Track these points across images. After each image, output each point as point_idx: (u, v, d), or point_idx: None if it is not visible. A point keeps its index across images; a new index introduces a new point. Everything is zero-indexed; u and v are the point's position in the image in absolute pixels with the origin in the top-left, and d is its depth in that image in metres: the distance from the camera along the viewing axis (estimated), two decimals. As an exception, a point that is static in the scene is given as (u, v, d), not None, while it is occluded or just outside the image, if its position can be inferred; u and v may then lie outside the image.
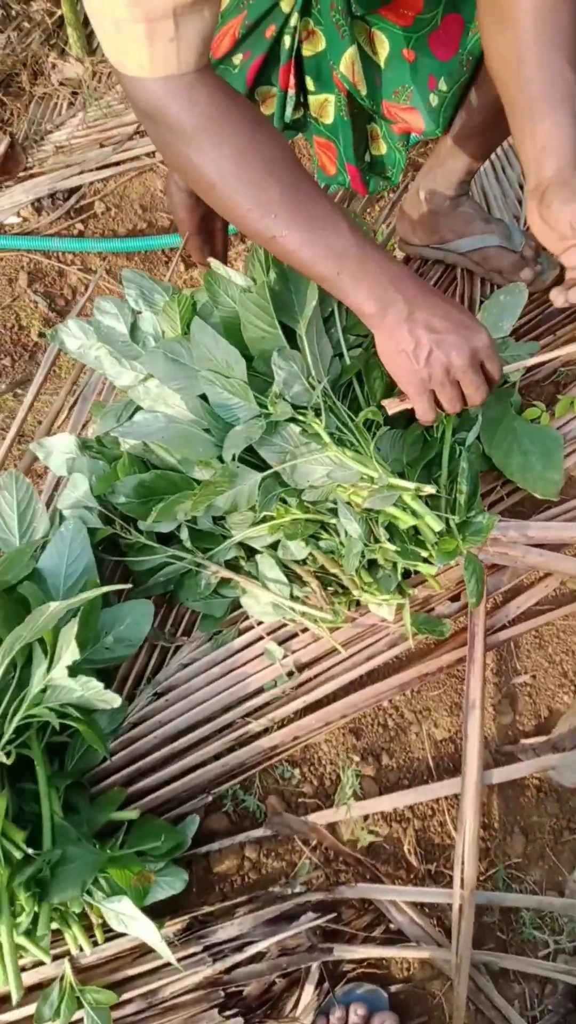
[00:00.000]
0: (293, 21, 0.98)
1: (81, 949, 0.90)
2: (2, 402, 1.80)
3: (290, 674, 1.04)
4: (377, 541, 0.96)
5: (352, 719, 1.06)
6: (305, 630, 1.05)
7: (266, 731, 1.03)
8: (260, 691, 1.04)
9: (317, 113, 1.10)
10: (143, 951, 0.93)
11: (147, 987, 0.91)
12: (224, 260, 1.67)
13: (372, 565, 1.01)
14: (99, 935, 0.90)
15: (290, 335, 0.96)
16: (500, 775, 1.02)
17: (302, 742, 1.03)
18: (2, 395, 1.73)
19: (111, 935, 0.92)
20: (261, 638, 1.05)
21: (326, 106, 1.07)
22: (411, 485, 0.90)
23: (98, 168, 2.13)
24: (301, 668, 1.05)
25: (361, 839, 1.01)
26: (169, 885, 0.88)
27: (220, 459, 0.97)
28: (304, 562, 1.02)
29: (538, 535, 1.07)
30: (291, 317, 0.95)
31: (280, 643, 1.05)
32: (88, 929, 0.91)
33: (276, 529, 0.98)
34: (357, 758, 1.05)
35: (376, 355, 0.99)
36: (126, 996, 0.91)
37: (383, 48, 1.01)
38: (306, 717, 1.03)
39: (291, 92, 1.06)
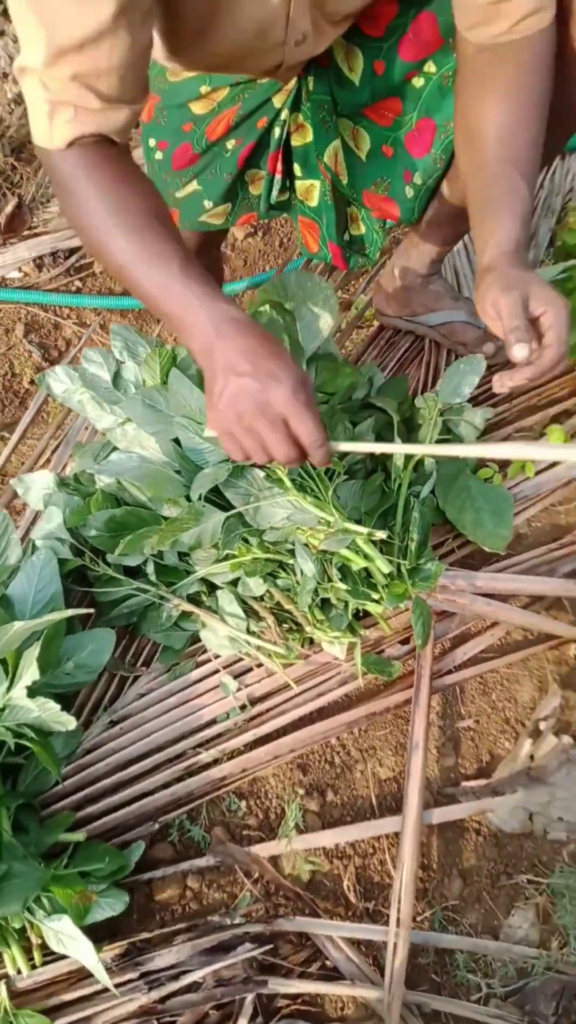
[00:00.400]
0: (284, 115, 1.09)
1: (19, 971, 0.91)
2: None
3: (243, 707, 1.08)
4: (330, 580, 1.02)
5: (300, 754, 1.10)
6: (260, 665, 1.10)
7: (216, 762, 1.06)
8: (213, 722, 1.08)
9: (303, 196, 1.21)
10: (80, 976, 0.94)
11: (81, 1014, 0.92)
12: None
13: (325, 604, 1.07)
14: (37, 957, 0.92)
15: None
16: (440, 815, 1.06)
17: (250, 774, 1.07)
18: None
19: (49, 958, 0.93)
20: (217, 671, 1.10)
21: (312, 191, 1.18)
22: (364, 530, 0.97)
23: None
24: (254, 702, 1.09)
25: (302, 873, 1.04)
26: (110, 906, 0.90)
27: (188, 498, 1.04)
28: (262, 599, 1.08)
29: (485, 585, 1.13)
30: None
31: (235, 677, 1.09)
32: (27, 952, 0.93)
33: (237, 567, 1.04)
34: (303, 792, 1.08)
35: (339, 410, 1.07)
36: (60, 1022, 0.92)
37: (365, 144, 1.12)
38: (256, 750, 1.07)
39: (278, 177, 1.17)
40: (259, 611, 1.06)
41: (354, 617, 1.08)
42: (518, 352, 0.74)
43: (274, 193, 1.17)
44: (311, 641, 1.11)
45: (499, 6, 0.80)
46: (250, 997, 0.97)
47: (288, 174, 1.16)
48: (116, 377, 1.16)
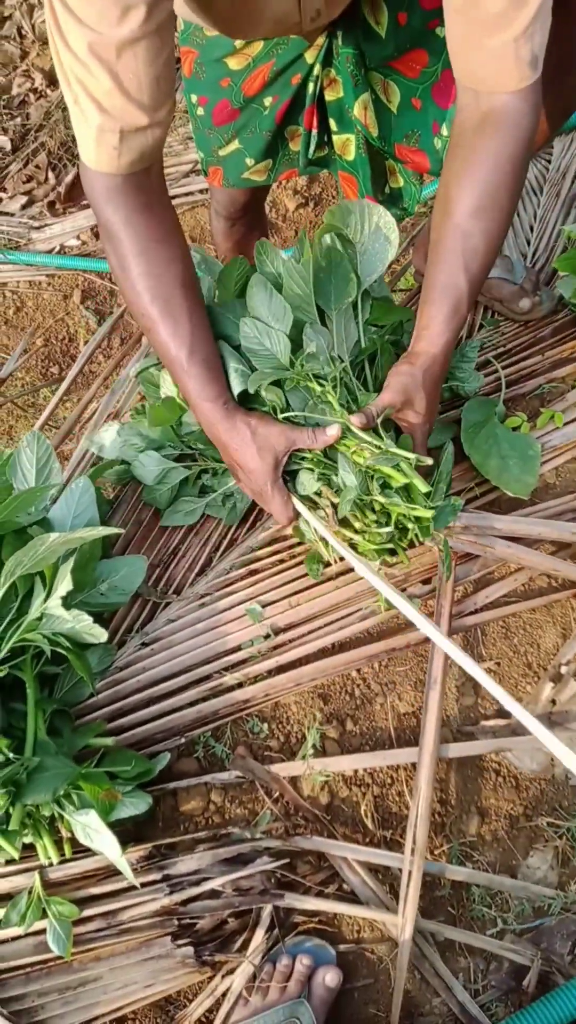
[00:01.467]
0: (316, 71, 1.13)
1: (51, 863, 0.98)
2: (44, 399, 1.97)
3: (267, 636, 1.12)
4: (370, 493, 1.03)
5: (321, 684, 1.14)
6: (285, 597, 1.15)
7: (240, 685, 1.11)
8: (238, 648, 1.13)
9: (340, 151, 1.24)
10: (107, 873, 1.01)
11: (107, 907, 0.99)
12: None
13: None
14: (67, 849, 0.99)
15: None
16: (457, 750, 1.08)
17: (273, 699, 1.11)
18: (39, 390, 1.90)
19: (79, 854, 1.00)
20: (244, 602, 1.15)
21: (348, 145, 1.21)
22: (411, 455, 0.99)
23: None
24: (277, 632, 1.14)
25: (320, 796, 1.08)
26: (134, 806, 0.96)
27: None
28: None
29: (506, 528, 1.14)
30: (325, 300, 1.08)
31: (263, 606, 1.14)
32: (58, 845, 0.99)
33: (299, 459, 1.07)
34: (323, 719, 1.12)
35: (386, 342, 1.12)
36: (88, 913, 0.98)
37: (395, 97, 1.15)
38: (278, 676, 1.11)
39: (314, 132, 1.21)
40: (317, 501, 1.07)
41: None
42: (355, 421, 0.99)
43: (312, 148, 1.21)
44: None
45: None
46: (268, 908, 1.01)
47: (324, 129, 1.20)
48: None
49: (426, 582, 1.16)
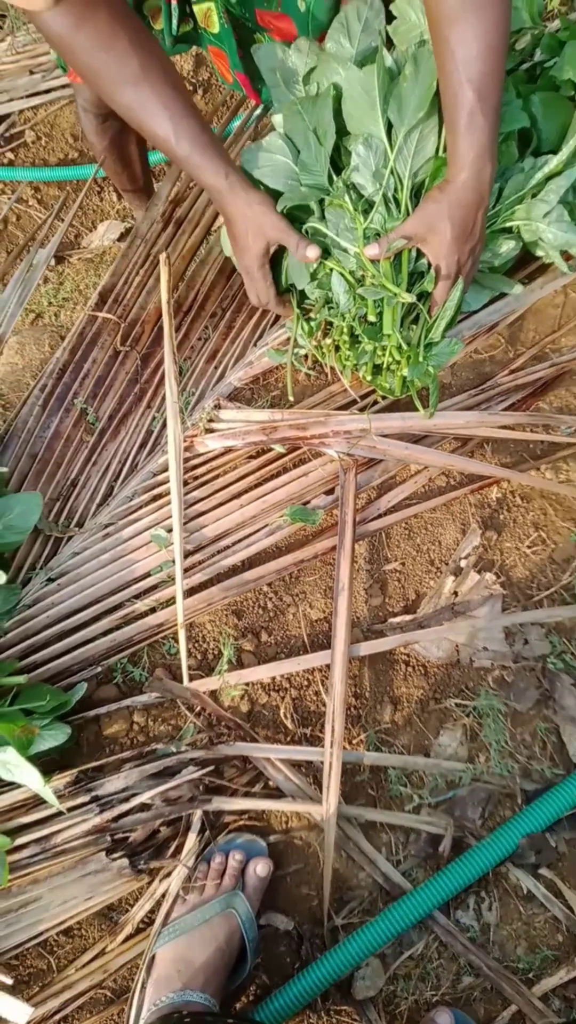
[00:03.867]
0: None
1: (-23, 799, 1.00)
2: None
3: (174, 560, 1.13)
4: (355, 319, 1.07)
5: (234, 601, 1.16)
6: (191, 519, 1.14)
7: (152, 611, 1.12)
8: (147, 575, 1.13)
9: (204, 23, 1.14)
10: (36, 802, 1.04)
11: (40, 833, 1.02)
12: (147, 186, 1.71)
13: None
14: (-8, 785, 1.01)
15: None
16: (368, 647, 1.13)
17: (187, 620, 1.13)
18: None
19: (6, 788, 1.02)
20: (148, 529, 1.14)
21: (210, 15, 1.11)
22: (397, 291, 1.01)
23: (28, 96, 2.14)
24: (187, 555, 1.14)
25: (241, 705, 1.12)
26: (53, 738, 0.98)
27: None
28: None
29: (408, 425, 1.15)
30: (397, 114, 0.98)
31: (168, 531, 1.14)
32: (-15, 782, 1.01)
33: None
34: (238, 635, 1.15)
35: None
36: (20, 841, 1.01)
37: None
38: (190, 598, 1.12)
39: (174, 4, 1.10)
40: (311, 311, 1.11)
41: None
42: (369, 251, 0.99)
43: (175, 23, 1.11)
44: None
45: None
46: (197, 814, 1.07)
47: (184, 1, 1.09)
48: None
49: (329, 492, 1.17)
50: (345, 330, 1.10)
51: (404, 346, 1.06)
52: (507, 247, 1.11)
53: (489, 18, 0.83)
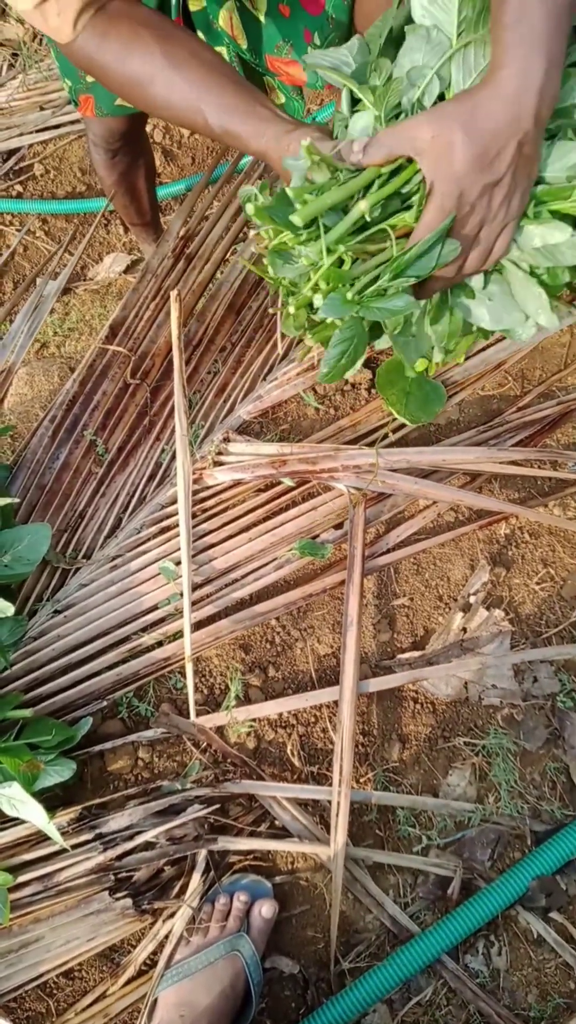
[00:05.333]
0: None
1: (-20, 835, 0.98)
2: None
3: (183, 593, 1.12)
4: None
5: (241, 635, 1.15)
6: (199, 552, 1.14)
7: (159, 644, 1.11)
8: (154, 608, 1.12)
9: None
10: (40, 838, 1.02)
11: (43, 870, 1.00)
12: (154, 220, 1.73)
13: None
14: (-4, 822, 0.99)
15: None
16: (377, 684, 1.12)
17: (194, 654, 1.12)
18: None
19: (9, 824, 1.00)
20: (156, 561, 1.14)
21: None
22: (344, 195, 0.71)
23: (38, 131, 2.17)
24: (195, 587, 1.13)
25: (247, 741, 1.10)
26: (58, 773, 0.96)
27: None
28: None
29: (416, 459, 1.16)
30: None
31: (176, 564, 1.13)
32: (-12, 818, 1.00)
33: None
34: (245, 669, 1.14)
35: None
36: (24, 878, 1.00)
37: (261, 4, 1.07)
38: (198, 631, 1.12)
39: None
40: None
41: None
42: (352, 147, 0.71)
43: None
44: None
45: None
46: (202, 853, 1.05)
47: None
48: None
49: (338, 526, 1.17)
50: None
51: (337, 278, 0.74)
52: (560, 236, 0.74)
53: None
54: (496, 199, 0.69)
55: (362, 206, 0.70)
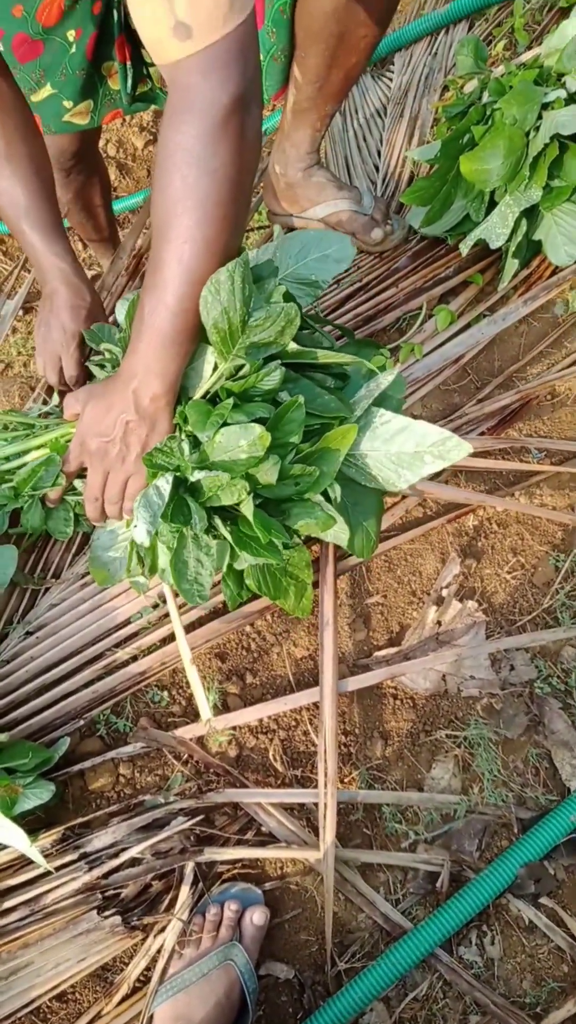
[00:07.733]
0: None
1: (-39, 863, 0.97)
2: None
3: (155, 605, 1.12)
4: None
5: (217, 644, 1.15)
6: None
7: (134, 659, 1.11)
8: (128, 622, 1.12)
9: (160, 84, 1.17)
10: (23, 862, 1.01)
11: (29, 894, 0.99)
12: (112, 236, 1.73)
13: None
14: (-24, 850, 0.98)
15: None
16: (355, 683, 1.12)
17: (169, 667, 1.11)
18: None
19: (-10, 851, 0.99)
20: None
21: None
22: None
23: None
24: (165, 599, 1.13)
25: (229, 750, 1.10)
26: (37, 796, 0.95)
27: None
28: None
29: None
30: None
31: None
32: (-31, 845, 0.98)
33: None
34: (222, 678, 1.14)
35: None
36: (8, 904, 0.98)
37: None
38: (172, 643, 1.11)
39: (130, 65, 1.13)
40: None
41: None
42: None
43: (130, 83, 1.13)
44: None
45: None
46: (190, 865, 1.04)
47: (140, 61, 1.12)
48: None
49: (306, 528, 1.17)
50: None
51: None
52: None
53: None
54: (111, 453, 0.89)
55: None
